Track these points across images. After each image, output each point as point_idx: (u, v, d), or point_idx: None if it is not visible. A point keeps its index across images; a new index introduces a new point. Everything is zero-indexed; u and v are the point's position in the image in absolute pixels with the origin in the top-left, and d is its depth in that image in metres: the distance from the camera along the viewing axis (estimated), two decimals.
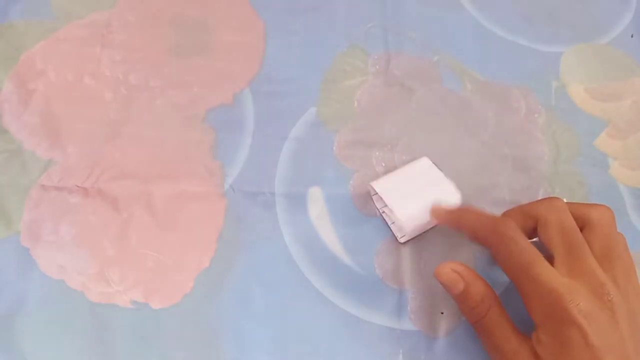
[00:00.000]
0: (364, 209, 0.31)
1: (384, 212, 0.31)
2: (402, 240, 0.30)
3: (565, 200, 0.27)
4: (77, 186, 0.31)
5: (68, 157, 0.32)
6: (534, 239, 0.27)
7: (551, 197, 0.27)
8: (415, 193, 0.29)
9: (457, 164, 0.33)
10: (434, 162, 0.31)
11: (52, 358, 0.28)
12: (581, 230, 0.26)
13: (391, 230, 0.31)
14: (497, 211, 0.30)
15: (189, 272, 0.30)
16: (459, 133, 0.34)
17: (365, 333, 0.29)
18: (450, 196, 0.29)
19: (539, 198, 0.32)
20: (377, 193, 0.30)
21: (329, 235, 0.31)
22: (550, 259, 0.25)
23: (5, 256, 0.29)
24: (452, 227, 0.28)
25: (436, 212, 0.28)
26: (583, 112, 0.35)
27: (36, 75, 0.33)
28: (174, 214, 0.31)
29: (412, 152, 0.33)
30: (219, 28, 0.35)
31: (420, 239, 0.31)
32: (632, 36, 0.36)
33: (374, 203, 0.31)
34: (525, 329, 0.25)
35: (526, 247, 0.24)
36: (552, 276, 0.23)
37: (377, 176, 0.32)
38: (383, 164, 0.32)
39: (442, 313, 0.29)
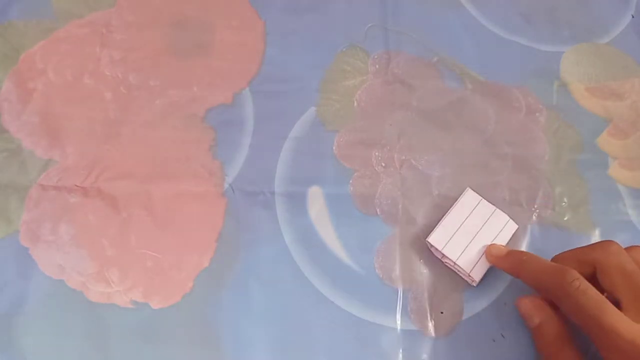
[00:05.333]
0: (364, 208, 0.31)
1: (445, 261, 0.30)
2: (474, 284, 0.29)
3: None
4: (77, 186, 0.31)
5: (67, 157, 0.31)
6: None
7: (605, 242, 0.26)
8: (473, 237, 0.29)
9: (458, 163, 0.33)
10: (475, 192, 0.30)
11: (52, 358, 0.28)
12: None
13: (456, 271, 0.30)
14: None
15: (189, 272, 0.30)
16: (459, 132, 0.33)
17: (365, 333, 0.29)
18: (507, 228, 0.29)
19: (540, 199, 0.32)
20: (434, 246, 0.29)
21: (329, 235, 0.31)
22: (614, 303, 0.24)
23: (4, 256, 0.29)
24: (509, 272, 0.28)
25: (492, 255, 0.28)
26: (585, 110, 0.35)
27: (36, 74, 0.33)
28: (173, 214, 0.31)
29: (412, 152, 0.33)
30: (219, 28, 0.35)
31: (420, 239, 0.31)
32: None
33: (433, 254, 0.30)
34: None
35: (595, 297, 0.24)
36: (628, 326, 0.22)
37: (377, 176, 0.32)
38: (383, 164, 0.32)
39: (441, 313, 0.29)
